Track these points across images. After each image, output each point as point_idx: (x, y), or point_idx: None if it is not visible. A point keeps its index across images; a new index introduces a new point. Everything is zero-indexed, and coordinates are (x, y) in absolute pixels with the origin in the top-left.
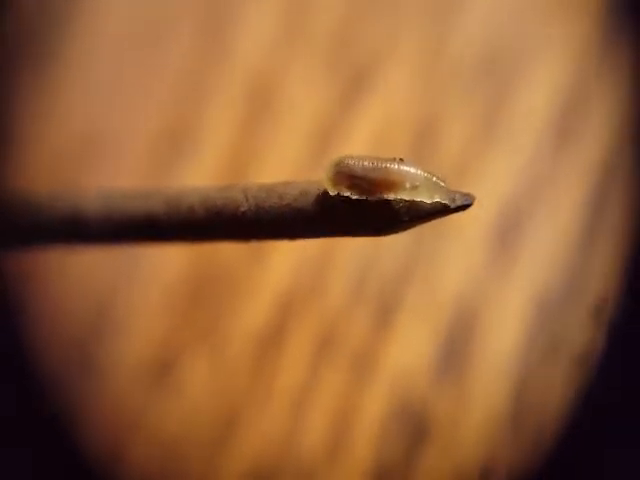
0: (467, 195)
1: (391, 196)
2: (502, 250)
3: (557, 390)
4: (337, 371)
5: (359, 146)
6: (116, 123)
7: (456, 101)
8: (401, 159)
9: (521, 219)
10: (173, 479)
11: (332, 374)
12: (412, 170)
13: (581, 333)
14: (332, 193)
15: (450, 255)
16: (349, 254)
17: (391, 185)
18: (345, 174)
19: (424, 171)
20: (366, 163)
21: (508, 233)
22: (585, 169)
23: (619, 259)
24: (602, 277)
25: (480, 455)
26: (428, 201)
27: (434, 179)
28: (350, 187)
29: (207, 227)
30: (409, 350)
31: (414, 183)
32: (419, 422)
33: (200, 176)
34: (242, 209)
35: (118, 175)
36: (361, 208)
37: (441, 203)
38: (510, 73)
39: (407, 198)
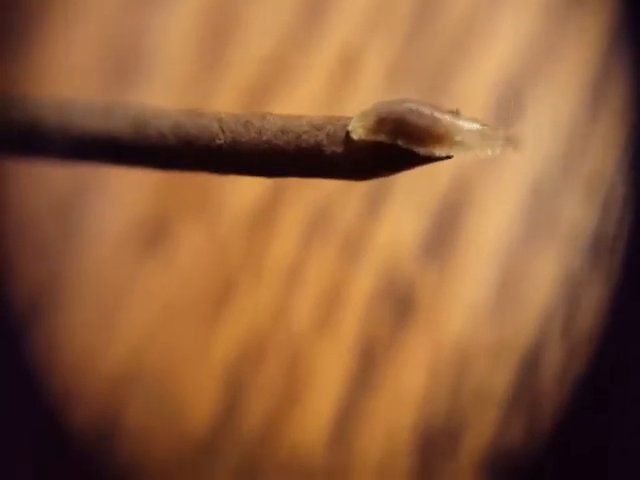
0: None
1: (437, 149)
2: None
3: (547, 271)
4: (328, 249)
5: (357, 7)
6: None
7: None
8: (457, 111)
9: (520, 93)
10: (162, 350)
11: (323, 252)
12: (467, 125)
13: (576, 213)
14: (364, 137)
15: None
16: None
17: (439, 139)
18: (393, 121)
19: (479, 124)
20: (417, 110)
21: (506, 109)
22: (589, 42)
23: (618, 142)
24: (600, 159)
25: (463, 334)
26: (477, 151)
27: (488, 130)
28: (391, 133)
29: (178, 157)
30: (398, 230)
31: (466, 139)
32: (404, 301)
33: (178, 32)
34: (218, 142)
35: (88, 20)
36: (388, 154)
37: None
38: None
39: (454, 153)
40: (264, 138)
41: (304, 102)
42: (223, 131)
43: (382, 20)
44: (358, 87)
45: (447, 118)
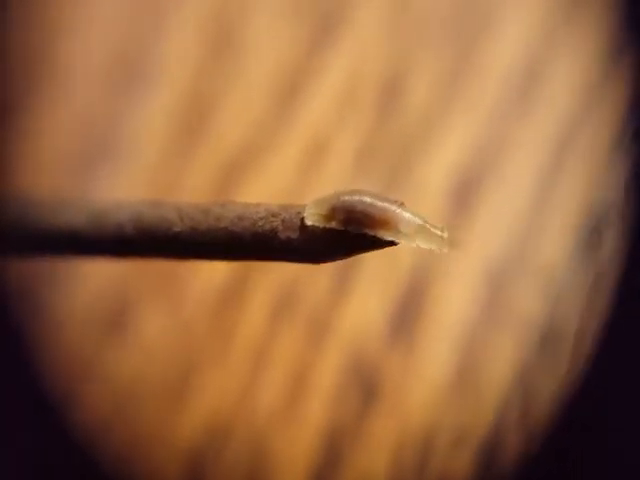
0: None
1: (384, 235)
2: (457, 215)
3: (504, 359)
4: (294, 331)
5: (326, 96)
6: (65, 52)
7: (423, 54)
8: (402, 203)
9: (477, 182)
10: (124, 432)
11: (289, 334)
12: (410, 217)
13: (530, 303)
14: (318, 224)
15: None
16: None
17: (385, 225)
18: (344, 209)
19: (420, 219)
20: (366, 199)
21: (464, 197)
22: (545, 133)
23: (573, 229)
24: (554, 247)
25: (426, 418)
26: (415, 245)
27: (428, 227)
28: (344, 221)
29: (136, 246)
30: (364, 313)
31: (407, 229)
32: (370, 383)
33: (154, 116)
34: (176, 229)
35: (67, 106)
36: (340, 239)
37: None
38: (477, 28)
39: (398, 241)
40: (221, 225)
41: (274, 186)
42: (182, 219)
43: (349, 109)
44: (326, 171)
45: (393, 208)
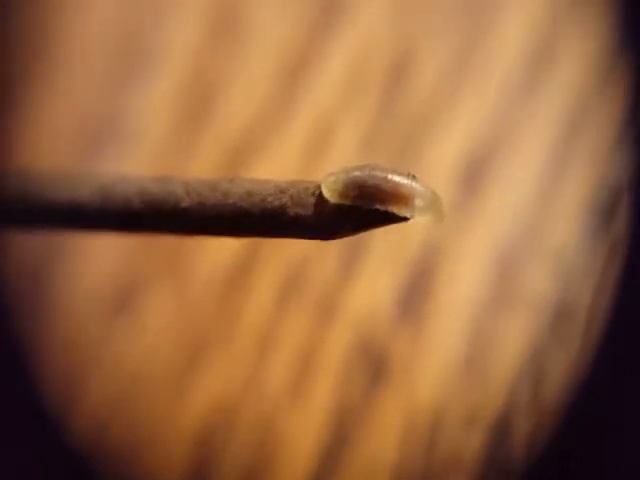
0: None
1: (398, 210)
2: (466, 197)
3: (514, 339)
4: (301, 312)
5: (331, 80)
6: (68, 37)
7: (429, 38)
8: (414, 176)
9: (486, 164)
10: (130, 417)
11: (296, 315)
12: (424, 189)
13: (540, 283)
14: (333, 200)
15: None
16: None
17: (399, 199)
18: (357, 184)
19: (432, 191)
20: (378, 174)
21: (473, 179)
22: (554, 113)
23: (583, 209)
24: (564, 228)
25: (435, 398)
26: (426, 218)
27: (439, 199)
28: (357, 196)
29: (144, 221)
30: (372, 293)
31: (422, 202)
32: (379, 363)
33: (158, 101)
34: (183, 205)
35: (69, 91)
36: (350, 215)
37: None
38: (486, 10)
39: (411, 215)
40: (230, 201)
41: (279, 170)
42: (189, 194)
43: (355, 92)
44: (331, 156)
45: (406, 181)
